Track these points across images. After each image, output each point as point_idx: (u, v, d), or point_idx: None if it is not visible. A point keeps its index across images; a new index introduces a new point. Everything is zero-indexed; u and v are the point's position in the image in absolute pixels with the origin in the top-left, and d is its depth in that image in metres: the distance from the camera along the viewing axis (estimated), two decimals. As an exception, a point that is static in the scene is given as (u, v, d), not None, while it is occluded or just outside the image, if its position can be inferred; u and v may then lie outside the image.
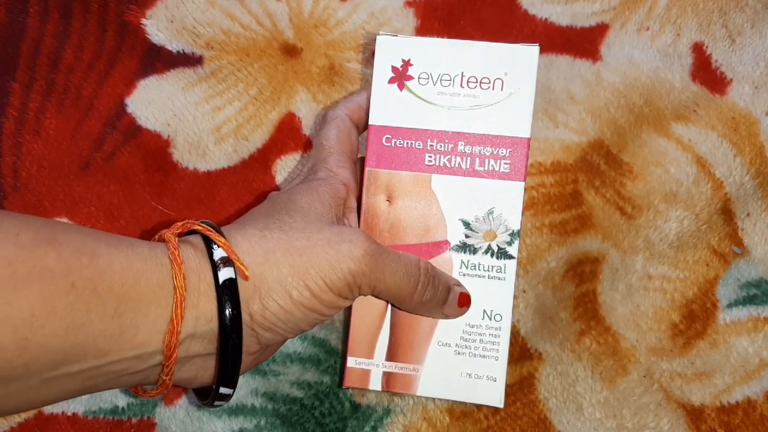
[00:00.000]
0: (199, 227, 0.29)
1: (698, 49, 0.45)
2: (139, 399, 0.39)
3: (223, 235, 0.29)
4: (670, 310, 0.40)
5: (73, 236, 0.26)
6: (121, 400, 0.39)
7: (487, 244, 0.35)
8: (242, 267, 0.28)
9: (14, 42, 0.43)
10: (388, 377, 0.34)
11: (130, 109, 0.43)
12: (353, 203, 0.35)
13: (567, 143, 0.43)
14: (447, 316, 0.34)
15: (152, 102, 0.43)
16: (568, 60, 0.44)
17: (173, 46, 0.44)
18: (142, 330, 0.26)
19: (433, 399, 0.38)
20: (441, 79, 0.35)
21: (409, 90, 0.35)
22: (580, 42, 0.45)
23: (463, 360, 0.34)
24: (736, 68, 0.44)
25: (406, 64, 0.35)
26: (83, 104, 0.43)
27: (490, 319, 0.34)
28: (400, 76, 0.35)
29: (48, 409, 0.38)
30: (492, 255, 0.35)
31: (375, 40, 0.36)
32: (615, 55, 0.44)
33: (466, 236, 0.35)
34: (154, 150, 0.42)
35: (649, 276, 0.40)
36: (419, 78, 0.35)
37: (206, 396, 0.31)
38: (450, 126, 0.35)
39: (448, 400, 0.38)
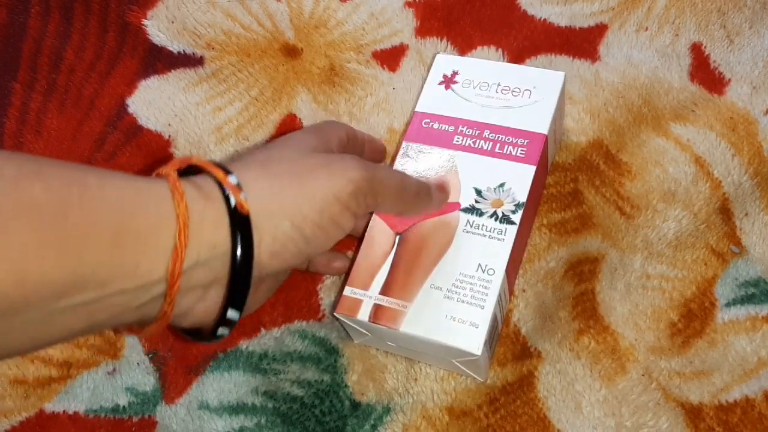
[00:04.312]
0: (197, 161, 0.30)
1: (697, 49, 0.45)
2: (140, 398, 0.39)
3: (221, 167, 0.29)
4: (668, 309, 0.40)
5: (60, 169, 0.26)
6: (122, 399, 0.39)
7: (493, 210, 0.38)
8: (240, 198, 0.28)
9: (16, 42, 0.44)
10: (377, 309, 0.36)
11: (131, 110, 0.43)
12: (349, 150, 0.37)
13: (566, 143, 0.43)
14: (438, 207, 0.38)
15: (153, 102, 0.43)
16: (567, 60, 0.45)
17: (174, 46, 0.44)
18: (144, 260, 0.26)
19: (432, 397, 0.39)
20: (480, 86, 0.41)
21: (453, 90, 0.41)
22: (579, 42, 0.45)
23: (450, 304, 0.36)
24: (735, 68, 0.44)
25: (455, 73, 0.42)
26: (84, 104, 0.43)
27: (483, 272, 0.36)
28: (448, 81, 0.42)
29: (49, 408, 0.38)
30: (496, 219, 0.37)
31: (434, 57, 0.43)
32: (614, 55, 0.45)
33: (476, 201, 0.38)
34: (155, 150, 0.42)
35: (648, 275, 0.40)
36: (463, 83, 0.42)
37: (198, 335, 0.31)
38: (480, 118, 0.40)
39: (447, 398, 0.38)
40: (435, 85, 0.42)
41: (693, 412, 0.38)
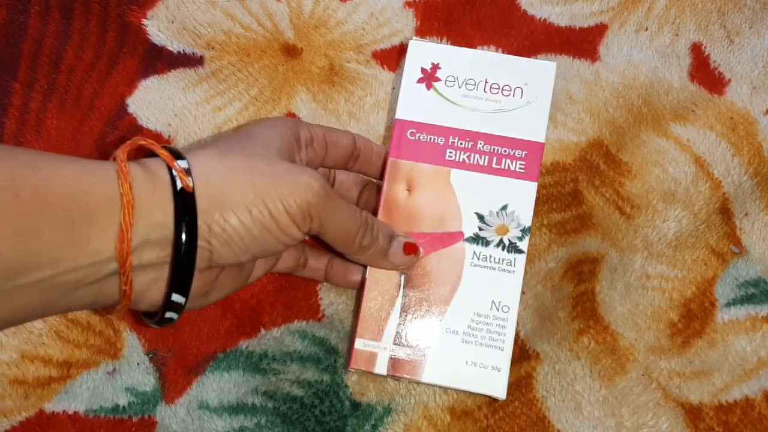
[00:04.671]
0: (144, 142, 0.30)
1: (697, 50, 0.45)
2: (140, 398, 0.39)
3: (172, 153, 0.30)
4: (668, 309, 0.40)
5: (13, 153, 0.27)
6: (122, 398, 0.39)
7: (499, 238, 0.36)
8: (185, 178, 0.29)
9: (16, 42, 0.44)
10: (394, 362, 0.35)
11: (131, 109, 0.43)
12: (304, 158, 0.36)
13: (566, 143, 0.43)
14: (397, 266, 0.36)
15: (153, 102, 0.43)
16: (566, 60, 0.45)
17: (174, 46, 0.44)
18: (94, 238, 0.27)
19: (434, 397, 0.39)
20: (466, 83, 0.38)
21: (436, 90, 0.38)
22: (579, 42, 0.45)
23: (469, 348, 0.35)
24: (735, 68, 0.44)
25: (435, 67, 0.38)
26: (84, 104, 0.43)
27: (498, 309, 0.36)
28: (429, 77, 0.38)
29: (49, 408, 0.38)
30: (503, 248, 0.36)
31: (408, 44, 0.39)
32: (614, 55, 0.45)
33: (480, 229, 0.36)
34: (155, 150, 0.42)
35: (648, 275, 0.40)
36: (446, 80, 0.38)
37: (155, 316, 0.32)
38: (471, 126, 0.37)
39: (448, 399, 0.38)
40: (414, 83, 0.38)
41: (693, 412, 0.38)
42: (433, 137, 0.37)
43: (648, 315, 0.40)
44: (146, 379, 0.39)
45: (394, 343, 0.35)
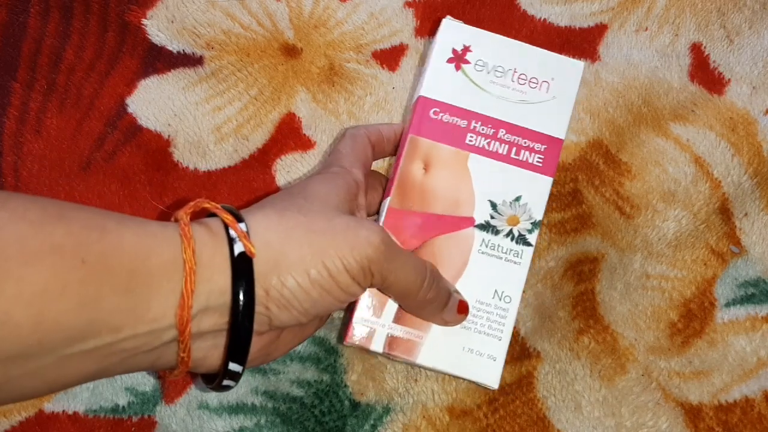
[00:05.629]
0: (208, 205, 0.30)
1: (696, 50, 0.45)
2: (140, 398, 0.39)
3: (232, 214, 0.29)
4: (668, 309, 0.40)
5: (81, 213, 0.26)
6: (121, 398, 0.39)
7: (509, 228, 0.36)
8: (248, 244, 0.28)
9: (15, 42, 0.44)
10: (391, 340, 0.35)
11: (130, 109, 0.43)
12: (363, 201, 0.36)
13: (566, 143, 0.43)
14: (447, 322, 0.35)
15: (153, 102, 0.43)
16: (566, 60, 0.45)
17: (174, 46, 0.44)
18: (155, 305, 0.26)
19: (433, 397, 0.39)
20: (495, 70, 0.38)
21: (465, 73, 0.37)
22: (578, 42, 0.45)
23: (467, 334, 0.35)
24: (734, 68, 0.44)
25: (466, 49, 0.38)
26: (84, 104, 0.43)
27: (500, 299, 0.35)
28: (459, 59, 0.38)
29: (49, 408, 0.38)
30: (512, 239, 0.36)
31: (441, 21, 0.38)
32: (613, 55, 0.45)
33: (491, 217, 0.36)
34: (155, 150, 0.42)
35: (647, 275, 0.40)
36: (476, 64, 0.38)
37: (214, 380, 0.31)
38: (495, 113, 0.37)
39: (447, 398, 0.38)
40: (443, 62, 0.38)
41: (693, 412, 0.38)
42: (455, 119, 0.37)
43: (648, 315, 0.40)
44: (146, 379, 0.39)
45: (394, 322, 0.35)
